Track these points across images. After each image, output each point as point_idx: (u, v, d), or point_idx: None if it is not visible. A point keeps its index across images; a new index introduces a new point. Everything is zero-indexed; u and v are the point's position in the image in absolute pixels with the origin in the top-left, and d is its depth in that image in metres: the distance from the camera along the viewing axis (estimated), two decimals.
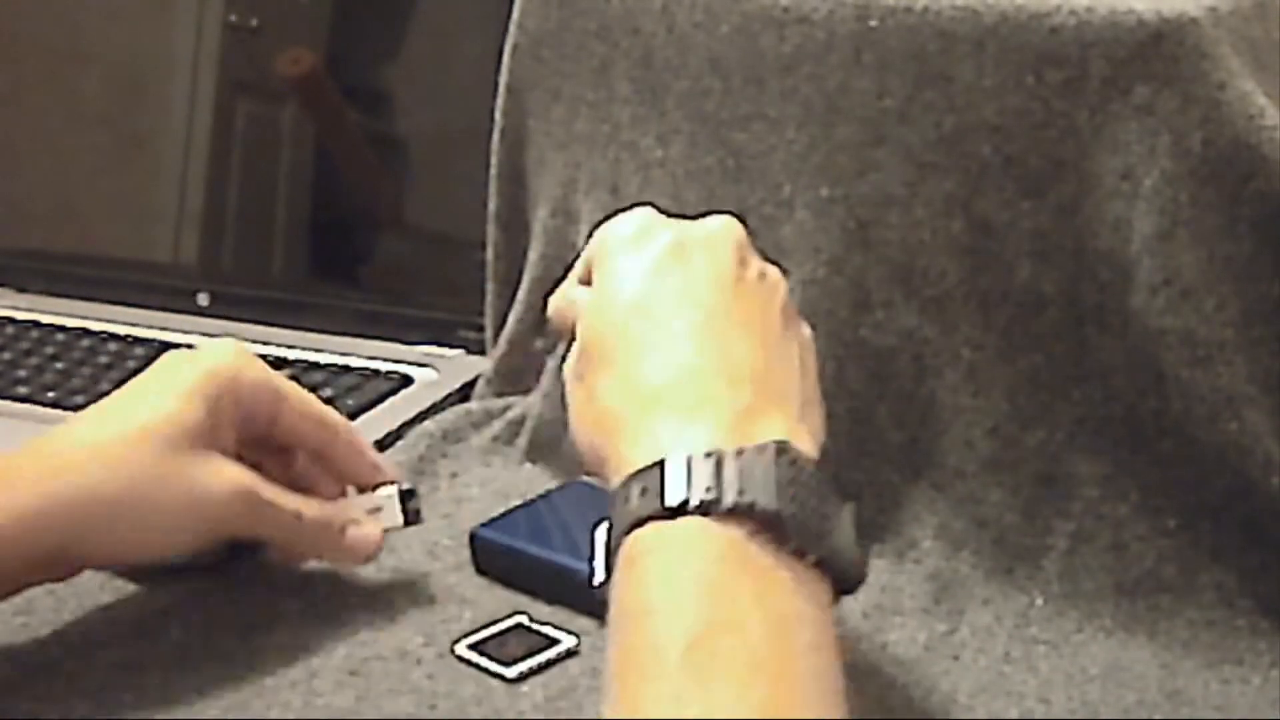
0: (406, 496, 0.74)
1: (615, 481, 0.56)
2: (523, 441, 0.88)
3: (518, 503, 0.80)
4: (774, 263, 0.64)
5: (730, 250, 0.62)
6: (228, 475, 0.68)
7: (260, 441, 0.72)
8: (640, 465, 0.54)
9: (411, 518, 0.74)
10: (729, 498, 0.52)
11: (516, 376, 0.93)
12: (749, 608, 0.50)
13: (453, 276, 1.02)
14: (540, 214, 0.91)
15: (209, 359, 0.71)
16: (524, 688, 0.67)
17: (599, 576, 0.55)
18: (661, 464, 0.53)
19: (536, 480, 0.85)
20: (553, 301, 0.68)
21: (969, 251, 0.73)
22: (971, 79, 0.72)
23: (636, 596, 0.52)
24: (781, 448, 0.54)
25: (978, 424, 0.74)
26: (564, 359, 0.64)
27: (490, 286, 0.95)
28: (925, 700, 0.66)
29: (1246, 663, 0.68)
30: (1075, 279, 0.71)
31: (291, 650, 0.70)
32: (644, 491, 0.53)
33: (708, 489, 0.52)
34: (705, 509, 0.52)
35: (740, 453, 0.53)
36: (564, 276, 0.66)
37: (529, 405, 0.90)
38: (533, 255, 0.91)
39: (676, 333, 0.59)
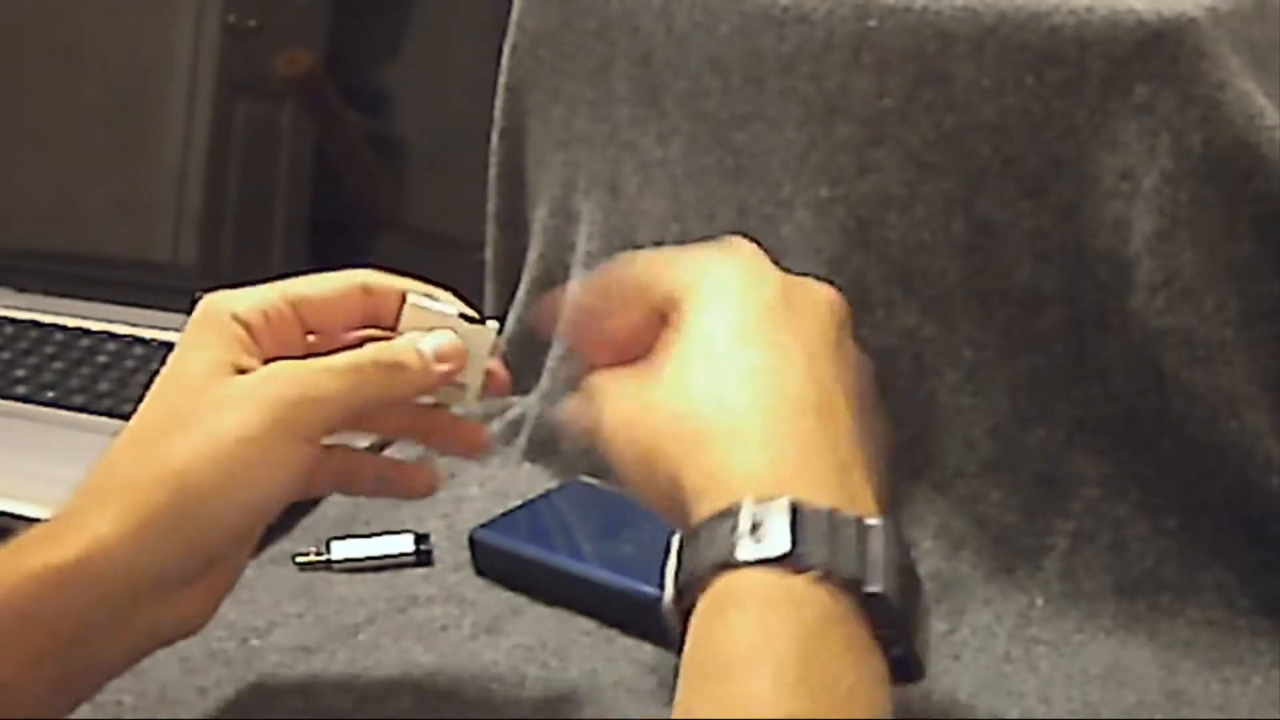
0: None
1: (702, 501, 0.53)
2: (522, 441, 0.88)
3: (517, 503, 0.80)
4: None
5: (835, 317, 0.59)
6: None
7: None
8: (738, 491, 0.51)
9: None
10: (848, 569, 0.49)
11: (515, 376, 0.93)
12: (851, 697, 0.48)
13: (452, 276, 1.02)
14: (540, 214, 0.91)
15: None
16: (524, 688, 0.67)
17: (668, 595, 0.53)
18: (765, 505, 0.51)
19: (536, 480, 0.85)
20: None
21: (969, 251, 0.73)
22: (971, 79, 0.72)
23: (730, 650, 0.49)
24: (890, 527, 0.51)
25: (978, 424, 0.74)
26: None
27: (490, 286, 0.95)
28: (925, 700, 0.66)
29: (1247, 663, 0.68)
30: (1075, 279, 0.71)
31: (292, 652, 0.70)
32: (753, 529, 0.50)
33: (831, 553, 0.49)
34: (808, 568, 0.49)
35: (861, 522, 0.51)
36: (562, 277, 0.65)
37: (528, 405, 0.90)
38: (532, 255, 0.91)
39: (793, 368, 0.56)
